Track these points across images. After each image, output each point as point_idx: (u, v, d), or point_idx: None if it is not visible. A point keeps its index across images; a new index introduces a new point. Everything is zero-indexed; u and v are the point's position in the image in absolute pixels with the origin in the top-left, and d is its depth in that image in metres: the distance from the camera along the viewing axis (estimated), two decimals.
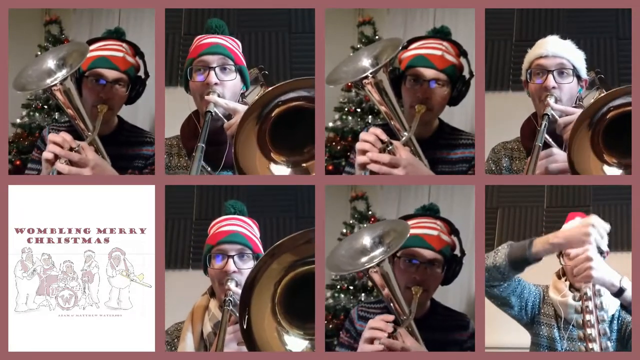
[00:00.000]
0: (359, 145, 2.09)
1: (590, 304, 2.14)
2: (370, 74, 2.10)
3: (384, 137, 2.08)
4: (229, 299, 2.07)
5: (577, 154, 2.07)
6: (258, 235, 2.23)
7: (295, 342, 2.00)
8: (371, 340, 1.98)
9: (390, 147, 2.07)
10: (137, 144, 2.32)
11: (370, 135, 2.08)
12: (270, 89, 2.12)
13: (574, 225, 2.07)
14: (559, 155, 2.09)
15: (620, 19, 3.73)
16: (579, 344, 2.17)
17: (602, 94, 2.14)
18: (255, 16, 3.82)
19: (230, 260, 2.14)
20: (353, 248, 2.06)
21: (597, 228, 1.98)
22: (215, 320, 2.15)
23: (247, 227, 2.22)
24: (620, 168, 2.13)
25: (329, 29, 2.28)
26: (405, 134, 2.14)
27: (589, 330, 2.11)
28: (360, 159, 2.08)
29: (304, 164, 2.18)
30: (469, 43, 2.28)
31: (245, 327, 1.92)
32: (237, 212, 2.25)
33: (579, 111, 2.14)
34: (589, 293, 2.13)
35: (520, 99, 2.33)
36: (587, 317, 2.13)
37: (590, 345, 2.09)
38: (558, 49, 2.20)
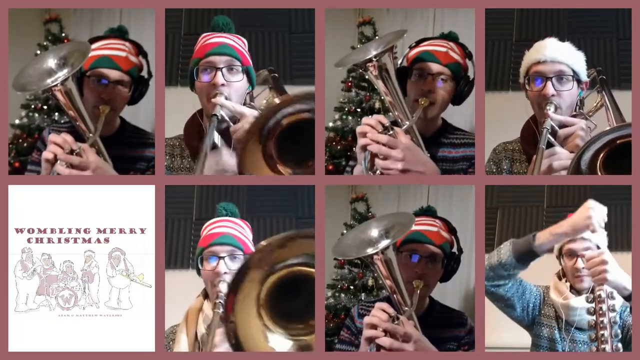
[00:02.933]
0: (359, 129, 2.11)
1: (604, 306, 2.14)
2: (374, 57, 2.12)
3: (385, 121, 2.10)
4: (220, 302, 2.08)
5: None
6: (250, 236, 2.24)
7: (280, 342, 1.99)
8: (372, 326, 2.00)
9: (391, 132, 2.08)
10: (140, 145, 2.30)
11: (372, 120, 2.10)
12: (265, 109, 2.08)
13: (575, 213, 2.06)
14: (562, 154, 2.08)
15: (620, 19, 3.72)
16: (584, 346, 2.17)
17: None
18: (255, 16, 3.81)
19: (222, 262, 2.14)
20: (360, 238, 2.09)
21: (597, 211, 1.98)
22: (209, 322, 2.14)
23: (238, 229, 2.22)
24: None
25: (329, 29, 2.28)
26: (407, 122, 2.15)
27: (601, 332, 2.11)
28: (360, 141, 2.09)
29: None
30: (469, 43, 2.28)
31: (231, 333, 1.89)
32: (229, 214, 2.26)
33: (578, 121, 2.12)
34: (603, 295, 2.14)
35: (520, 99, 2.32)
36: (600, 319, 2.13)
37: (602, 347, 2.09)
38: (556, 54, 2.15)
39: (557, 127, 2.11)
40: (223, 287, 2.11)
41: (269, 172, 2.10)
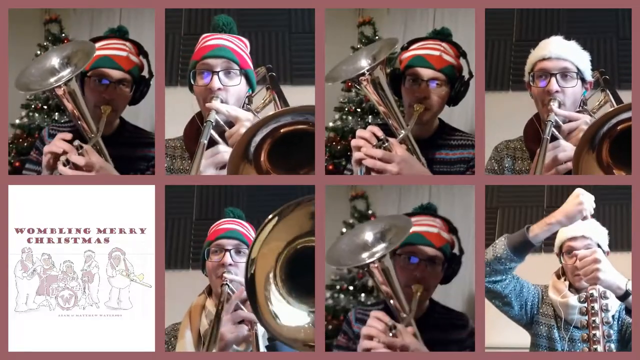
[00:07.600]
0: (354, 142, 2.10)
1: (596, 306, 2.14)
2: (367, 71, 2.11)
3: (380, 134, 2.09)
4: (226, 284, 2.16)
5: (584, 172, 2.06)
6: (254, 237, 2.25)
7: (298, 315, 1.99)
8: (370, 337, 1.97)
9: (386, 144, 2.07)
10: (140, 145, 2.29)
11: (366, 132, 2.10)
12: (252, 125, 2.05)
13: (566, 202, 2.07)
14: (567, 146, 2.08)
15: (621, 19, 3.73)
16: (582, 345, 2.17)
17: (601, 115, 2.07)
18: (255, 16, 3.81)
19: (227, 254, 2.21)
20: (354, 243, 2.06)
21: (587, 197, 2.02)
22: (212, 317, 2.17)
23: (244, 229, 2.29)
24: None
25: (329, 29, 2.28)
26: (403, 131, 2.14)
27: (593, 332, 2.11)
28: (355, 155, 2.09)
29: None
30: (469, 43, 2.28)
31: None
32: (236, 217, 2.33)
33: (582, 116, 2.13)
34: (595, 295, 2.14)
35: (520, 99, 2.32)
36: (592, 318, 2.13)
37: (594, 347, 2.09)
38: (562, 51, 2.15)
39: (560, 122, 2.11)
40: (228, 275, 2.18)
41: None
